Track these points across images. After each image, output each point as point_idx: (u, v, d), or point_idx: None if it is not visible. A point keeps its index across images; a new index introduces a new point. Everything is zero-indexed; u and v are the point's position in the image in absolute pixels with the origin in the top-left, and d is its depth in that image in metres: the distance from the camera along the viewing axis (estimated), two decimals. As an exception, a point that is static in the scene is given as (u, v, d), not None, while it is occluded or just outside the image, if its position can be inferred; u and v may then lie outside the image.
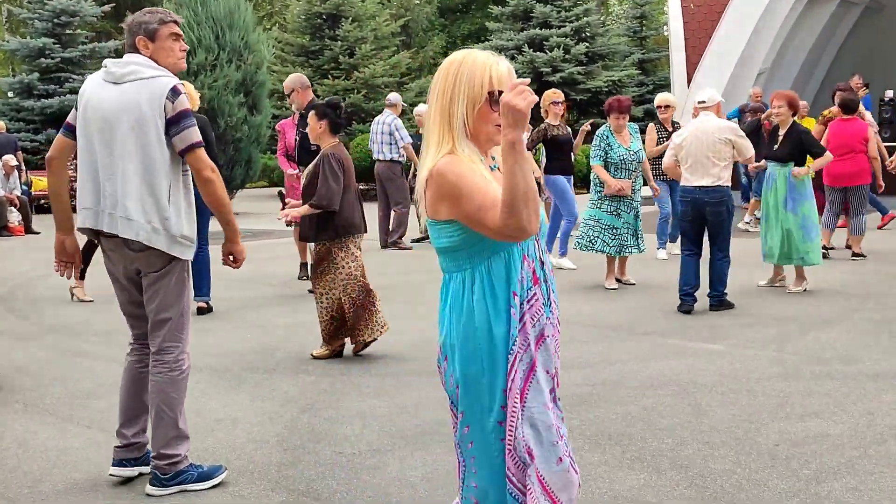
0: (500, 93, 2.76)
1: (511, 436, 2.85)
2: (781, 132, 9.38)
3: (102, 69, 4.47)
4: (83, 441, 5.26)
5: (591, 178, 10.04)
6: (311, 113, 7.18)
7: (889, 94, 16.86)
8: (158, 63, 4.43)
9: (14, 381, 6.59)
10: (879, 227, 14.27)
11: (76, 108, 4.49)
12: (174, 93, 4.32)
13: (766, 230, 9.50)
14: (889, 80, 18.93)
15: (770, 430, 5.19)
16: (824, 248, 11.42)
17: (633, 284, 10.07)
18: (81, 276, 9.63)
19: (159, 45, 4.45)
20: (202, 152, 4.40)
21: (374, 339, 7.04)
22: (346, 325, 7.02)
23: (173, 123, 4.32)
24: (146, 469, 4.62)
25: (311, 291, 8.27)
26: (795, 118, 9.56)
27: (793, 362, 6.66)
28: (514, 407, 2.84)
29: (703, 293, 8.64)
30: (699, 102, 8.89)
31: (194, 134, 4.36)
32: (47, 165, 4.56)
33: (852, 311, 8.40)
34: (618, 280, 10.11)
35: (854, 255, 11.58)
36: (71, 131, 4.50)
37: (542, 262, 2.93)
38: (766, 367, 6.52)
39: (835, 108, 12.38)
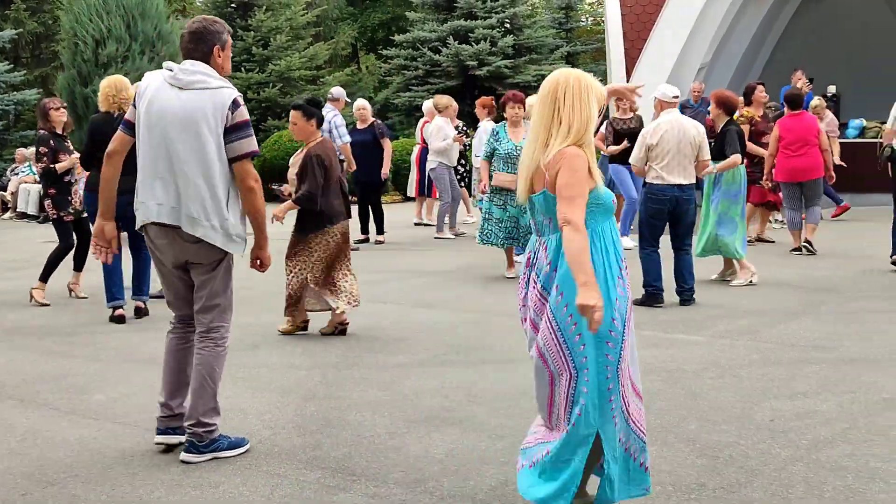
0: None
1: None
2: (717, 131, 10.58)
3: (166, 72, 5.15)
4: (95, 431, 5.77)
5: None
6: (298, 113, 7.85)
7: (832, 89, 17.98)
8: (223, 70, 5.21)
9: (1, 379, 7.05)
10: (833, 217, 15.46)
11: (134, 106, 5.16)
12: (235, 105, 5.06)
13: (700, 225, 10.55)
14: (829, 73, 20.02)
15: (763, 408, 5.98)
16: (808, 245, 12.34)
17: None
18: (44, 279, 10.04)
19: (227, 55, 5.28)
20: (250, 163, 5.13)
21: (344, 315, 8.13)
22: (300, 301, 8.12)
23: (231, 132, 5.04)
24: (183, 438, 5.30)
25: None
26: (734, 116, 10.66)
27: (770, 350, 7.48)
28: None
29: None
30: (674, 97, 9.56)
31: (246, 145, 5.09)
32: (107, 158, 5.21)
33: (818, 303, 9.29)
34: None
35: (805, 241, 12.49)
36: (130, 128, 5.17)
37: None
38: (745, 355, 7.33)
39: (751, 108, 13.34)
